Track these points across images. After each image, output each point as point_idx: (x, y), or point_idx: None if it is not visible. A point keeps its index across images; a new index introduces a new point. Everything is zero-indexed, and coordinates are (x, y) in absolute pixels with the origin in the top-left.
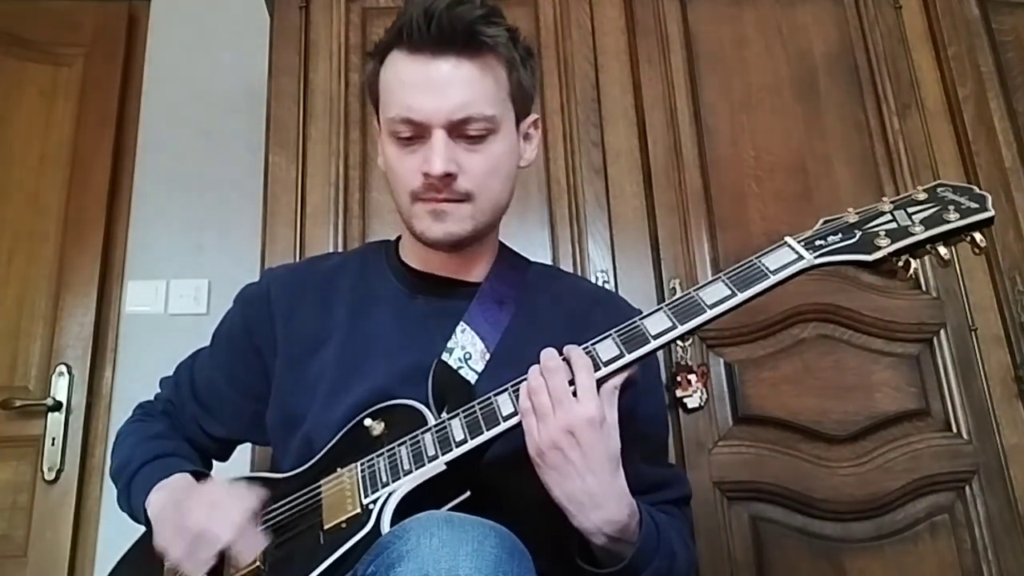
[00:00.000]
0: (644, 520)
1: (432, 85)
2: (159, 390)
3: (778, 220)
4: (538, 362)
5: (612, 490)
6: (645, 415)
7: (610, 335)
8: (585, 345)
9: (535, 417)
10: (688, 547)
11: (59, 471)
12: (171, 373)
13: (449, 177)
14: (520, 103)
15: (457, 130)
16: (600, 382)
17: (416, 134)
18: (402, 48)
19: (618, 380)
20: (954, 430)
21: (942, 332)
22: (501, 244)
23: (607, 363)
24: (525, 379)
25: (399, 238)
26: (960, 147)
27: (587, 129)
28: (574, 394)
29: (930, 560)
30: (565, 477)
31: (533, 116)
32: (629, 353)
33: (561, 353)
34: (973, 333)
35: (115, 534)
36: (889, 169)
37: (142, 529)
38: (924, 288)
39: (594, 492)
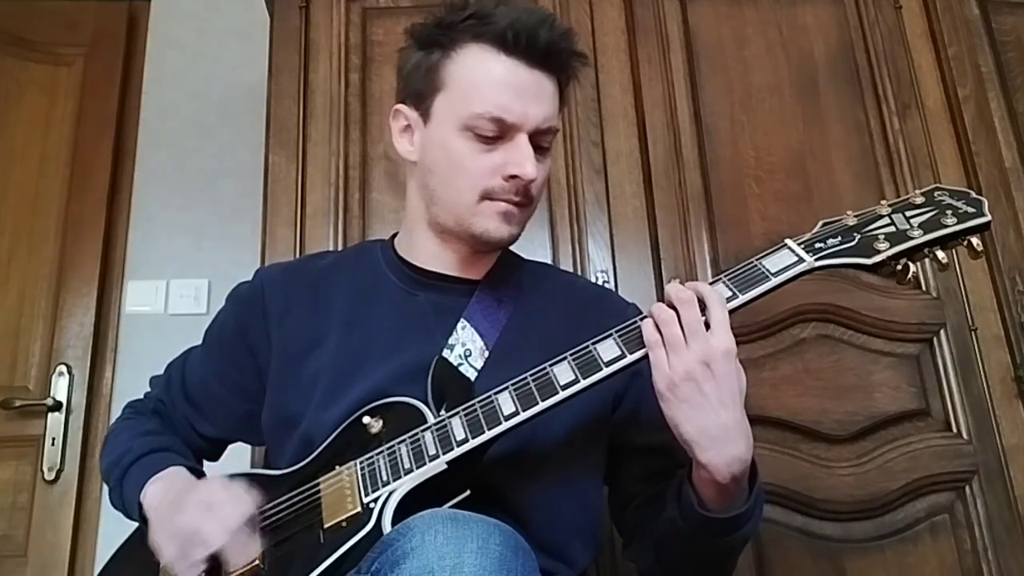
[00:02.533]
0: (756, 468)
1: (526, 91)
2: (149, 389)
3: (778, 220)
4: (536, 362)
5: (742, 425)
6: (647, 417)
7: (611, 335)
8: (585, 345)
9: (665, 349)
10: None
11: (59, 471)
12: (161, 372)
13: (532, 182)
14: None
15: (535, 139)
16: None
17: (500, 134)
18: (492, 46)
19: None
20: (954, 430)
21: (942, 332)
22: None
23: (608, 363)
24: (525, 378)
25: (394, 236)
26: (960, 147)
27: (587, 129)
28: (707, 326)
29: (930, 560)
30: (699, 410)
31: None
32: (631, 354)
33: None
34: (973, 333)
35: (115, 534)
36: (889, 169)
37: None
38: (924, 288)
39: (728, 425)
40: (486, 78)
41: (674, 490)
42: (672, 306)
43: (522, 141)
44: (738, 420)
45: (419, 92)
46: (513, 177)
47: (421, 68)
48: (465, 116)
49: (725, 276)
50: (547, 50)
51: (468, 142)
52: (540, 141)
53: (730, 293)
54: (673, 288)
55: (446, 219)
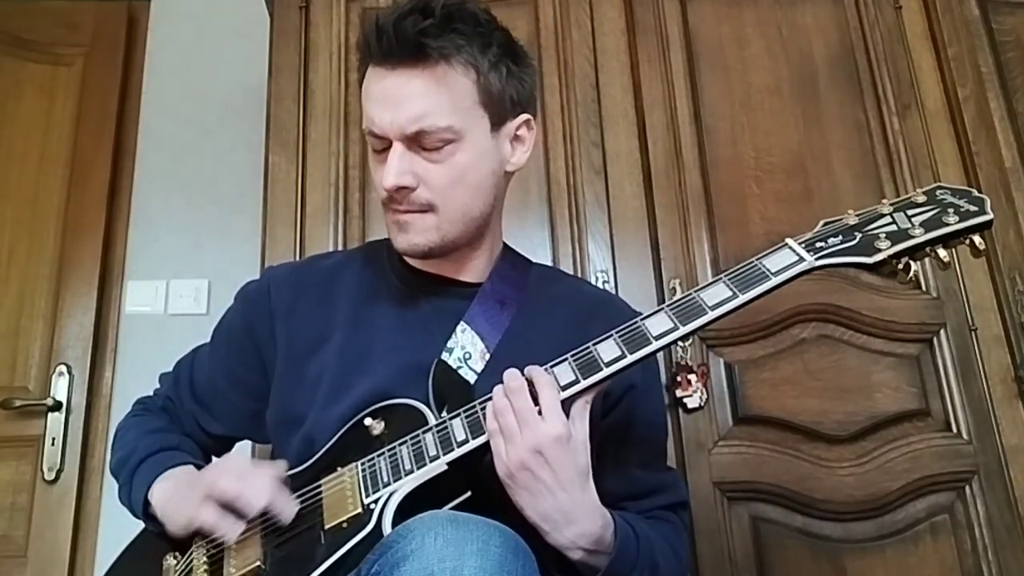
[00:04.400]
0: (620, 530)
1: (387, 98)
2: (158, 386)
3: (778, 221)
4: (537, 364)
5: (584, 505)
6: (644, 418)
7: (611, 336)
8: (587, 345)
9: (503, 438)
10: (678, 555)
11: (59, 471)
12: (170, 369)
13: (405, 189)
14: (496, 108)
15: (415, 142)
16: (571, 400)
17: (383, 146)
18: (371, 61)
19: (589, 396)
20: (954, 430)
21: (942, 332)
22: (505, 245)
23: (608, 364)
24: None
25: None
26: (960, 147)
27: (587, 129)
28: (539, 413)
29: (931, 560)
30: (536, 496)
31: (523, 117)
32: (631, 354)
33: (524, 372)
34: (973, 333)
35: (115, 534)
36: (889, 169)
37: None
38: (924, 288)
39: (566, 508)
40: (364, 94)
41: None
42: (507, 395)
43: (392, 151)
44: (577, 500)
45: None
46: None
47: None
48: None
49: (725, 276)
50: (401, 42)
51: (372, 157)
52: (423, 143)
53: (729, 293)
54: (507, 375)
55: None
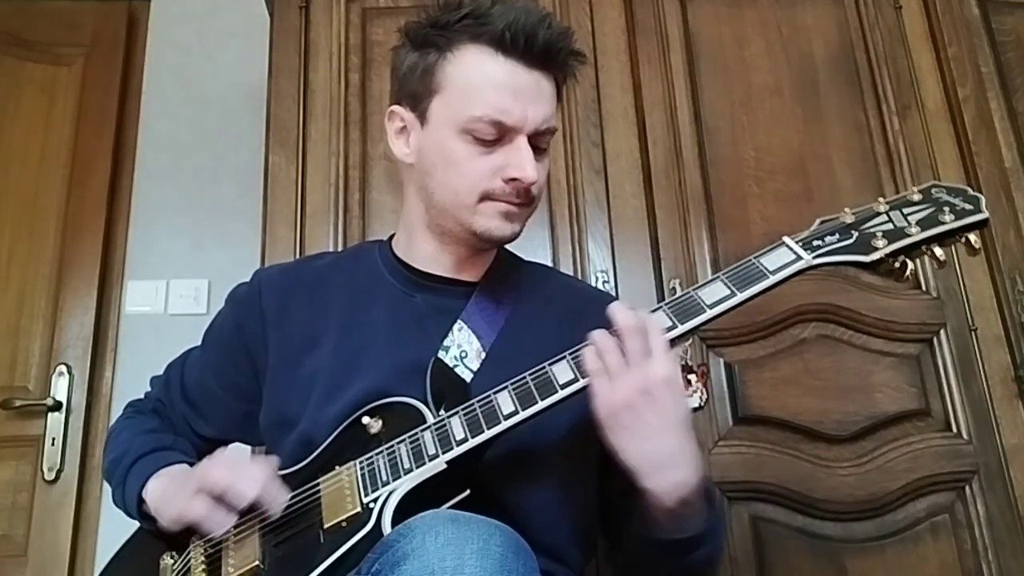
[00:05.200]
0: (711, 488)
1: (527, 93)
2: (149, 388)
3: (778, 221)
4: (533, 364)
5: (686, 451)
6: None
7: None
8: (583, 344)
9: (607, 377)
10: None
11: (59, 471)
12: (161, 372)
13: (533, 184)
14: None
15: (534, 140)
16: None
17: (499, 137)
18: (490, 47)
19: (676, 348)
20: (954, 430)
21: (942, 332)
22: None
23: None
24: (524, 378)
25: (391, 237)
26: (960, 147)
27: (587, 129)
28: (648, 353)
29: (931, 560)
30: (640, 437)
31: None
32: None
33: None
34: (973, 333)
35: (115, 534)
36: (889, 169)
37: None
38: (924, 288)
39: (671, 452)
40: (484, 81)
41: (636, 512)
42: (614, 335)
43: (521, 143)
44: (681, 446)
45: (415, 94)
46: (513, 180)
47: (417, 69)
48: (464, 119)
49: (723, 274)
50: (545, 50)
51: (467, 145)
52: (538, 142)
53: (727, 291)
54: (618, 317)
55: (445, 220)
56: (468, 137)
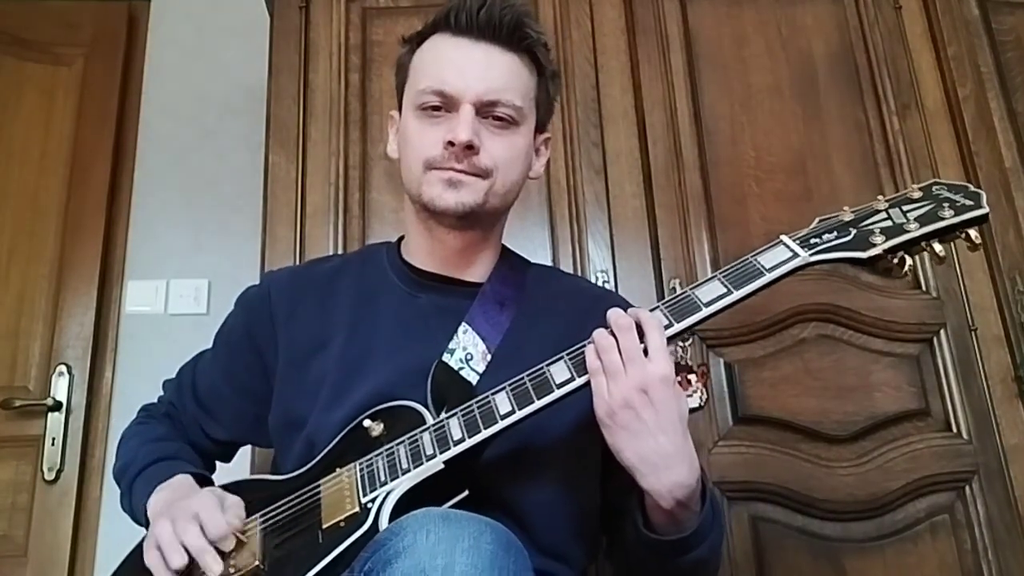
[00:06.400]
0: (708, 490)
1: (471, 63)
2: (162, 392)
3: (778, 220)
4: (536, 364)
5: (683, 452)
6: None
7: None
8: (581, 345)
9: (605, 376)
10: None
11: (59, 471)
12: (173, 375)
13: (471, 149)
14: (541, 111)
15: (485, 111)
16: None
17: (444, 106)
18: (445, 31)
19: (673, 346)
20: (954, 430)
21: (942, 332)
22: (503, 246)
23: None
24: (522, 378)
25: (400, 239)
26: (960, 147)
27: (587, 129)
28: (644, 353)
29: (930, 560)
30: (637, 437)
31: (547, 134)
32: None
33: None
34: (973, 333)
35: (115, 534)
36: (889, 169)
37: (142, 531)
38: (924, 288)
39: (668, 452)
40: (432, 57)
41: (631, 511)
42: (613, 333)
43: (464, 110)
44: (678, 446)
45: (397, 91)
46: (450, 144)
47: (398, 66)
48: (414, 95)
49: (720, 273)
50: (487, 21)
51: (418, 120)
52: (492, 112)
53: (724, 289)
54: (612, 315)
55: (413, 203)
56: (420, 112)
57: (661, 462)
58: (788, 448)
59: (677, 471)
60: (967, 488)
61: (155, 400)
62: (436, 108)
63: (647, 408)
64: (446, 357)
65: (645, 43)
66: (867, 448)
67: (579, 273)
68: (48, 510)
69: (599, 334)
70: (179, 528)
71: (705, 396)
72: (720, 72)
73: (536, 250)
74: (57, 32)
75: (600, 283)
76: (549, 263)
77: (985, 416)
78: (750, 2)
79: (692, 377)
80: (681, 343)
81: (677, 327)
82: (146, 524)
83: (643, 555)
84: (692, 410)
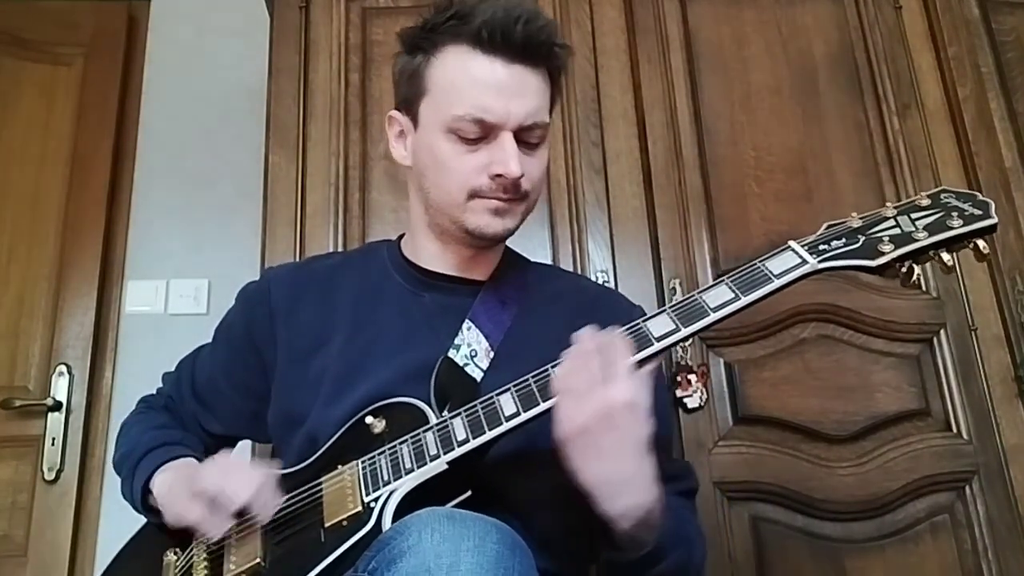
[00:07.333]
0: (666, 507)
1: (509, 88)
2: (161, 385)
3: (778, 220)
4: (540, 363)
5: (641, 475)
6: (654, 411)
7: None
8: None
9: (570, 399)
10: (702, 536)
11: (59, 471)
12: (173, 369)
13: (519, 178)
14: (549, 122)
15: (521, 135)
16: (637, 367)
17: (483, 134)
18: (470, 45)
19: (652, 365)
20: (954, 430)
21: (942, 332)
22: (504, 245)
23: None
24: (527, 379)
25: (400, 237)
26: (960, 147)
27: (587, 129)
28: (610, 377)
29: (930, 560)
30: (596, 461)
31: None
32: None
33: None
34: (973, 333)
35: (115, 534)
36: (889, 169)
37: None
38: (924, 288)
39: (625, 477)
40: (465, 79)
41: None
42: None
43: (505, 139)
44: (635, 471)
45: (407, 98)
46: (498, 176)
47: (406, 73)
48: (448, 119)
49: (728, 278)
50: (524, 44)
51: (453, 144)
52: (527, 137)
53: (732, 295)
54: (579, 338)
55: (442, 220)
56: (453, 136)
57: (617, 487)
58: (788, 448)
59: (632, 496)
60: (967, 488)
61: (154, 393)
62: (475, 138)
63: (607, 433)
64: (451, 353)
65: (645, 43)
66: (867, 448)
67: (579, 273)
68: (48, 510)
69: (567, 356)
70: (223, 477)
71: (705, 396)
72: (720, 72)
73: (536, 250)
74: (57, 32)
75: (600, 283)
76: (549, 262)
77: (985, 416)
78: (750, 2)
79: (692, 377)
80: (682, 344)
81: (685, 332)
82: (145, 507)
83: (611, 571)
84: (692, 410)
